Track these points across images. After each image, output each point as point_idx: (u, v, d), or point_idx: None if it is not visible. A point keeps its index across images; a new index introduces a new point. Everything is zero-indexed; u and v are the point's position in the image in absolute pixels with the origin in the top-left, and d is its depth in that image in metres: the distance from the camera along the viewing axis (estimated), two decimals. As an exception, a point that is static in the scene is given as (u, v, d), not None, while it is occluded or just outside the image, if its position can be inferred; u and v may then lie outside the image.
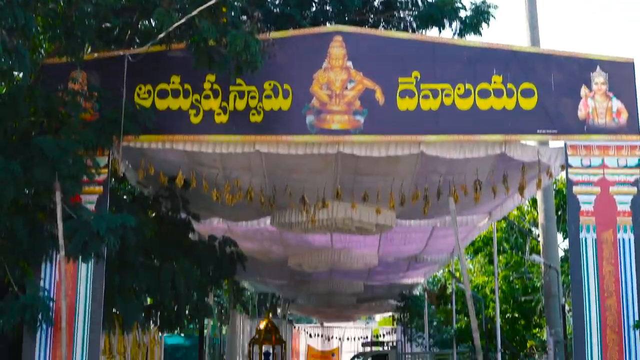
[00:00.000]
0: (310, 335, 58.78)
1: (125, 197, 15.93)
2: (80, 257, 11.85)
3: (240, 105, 12.89)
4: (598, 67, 12.93)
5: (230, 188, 14.26)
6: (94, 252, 11.76)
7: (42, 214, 12.45)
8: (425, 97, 12.86)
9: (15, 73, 13.06)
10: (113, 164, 12.97)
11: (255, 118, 12.83)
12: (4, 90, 13.63)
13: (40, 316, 11.83)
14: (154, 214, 15.95)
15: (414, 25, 17.71)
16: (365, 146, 12.93)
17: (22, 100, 11.83)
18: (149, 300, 17.77)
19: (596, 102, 12.82)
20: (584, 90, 12.86)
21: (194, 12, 11.44)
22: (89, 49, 13.28)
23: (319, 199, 15.03)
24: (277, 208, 15.89)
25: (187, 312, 16.39)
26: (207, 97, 12.91)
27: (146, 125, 12.50)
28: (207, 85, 12.92)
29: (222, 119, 12.88)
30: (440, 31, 17.02)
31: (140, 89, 12.94)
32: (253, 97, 12.87)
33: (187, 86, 12.94)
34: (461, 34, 16.79)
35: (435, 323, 37.88)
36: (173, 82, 12.98)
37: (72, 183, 11.79)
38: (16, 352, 12.72)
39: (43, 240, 12.32)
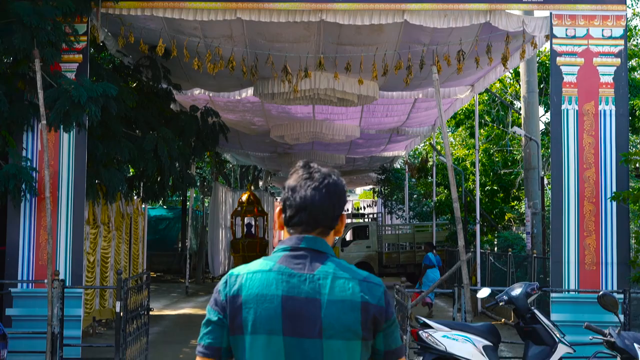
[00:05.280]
0: (292, 208, 59.47)
1: (105, 66, 15.72)
2: (61, 126, 11.81)
3: (221, -30, 12.58)
4: None
5: (212, 57, 14.06)
6: (75, 121, 11.72)
7: (22, 83, 12.33)
8: (410, -38, 12.59)
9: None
10: (92, 31, 12.72)
11: (237, -16, 12.55)
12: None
13: (23, 186, 11.88)
14: (134, 84, 15.83)
15: None
16: (348, 14, 12.72)
17: (-3, -37, 11.49)
18: (131, 171, 17.86)
19: (584, -32, 12.60)
20: (571, -44, 12.62)
21: None
22: None
23: (301, 69, 14.89)
24: (259, 78, 15.76)
25: (170, 182, 16.49)
26: (186, -40, 12.57)
27: (125, -10, 12.22)
28: (186, -51, 12.57)
29: (202, -16, 12.59)
30: None
31: (117, -49, 12.56)
32: (234, -38, 12.55)
33: (165, -51, 12.58)
34: None
35: (415, 196, 38.42)
36: (151, -55, 12.60)
37: (51, 50, 11.63)
38: (1, 222, 12.82)
39: (23, 109, 12.25)
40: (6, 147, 12.24)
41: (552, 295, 12.29)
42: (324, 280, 2.64)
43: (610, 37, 12.59)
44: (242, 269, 2.73)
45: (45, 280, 11.29)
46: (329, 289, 2.64)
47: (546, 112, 28.95)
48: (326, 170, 2.78)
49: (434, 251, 20.46)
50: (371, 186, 50.38)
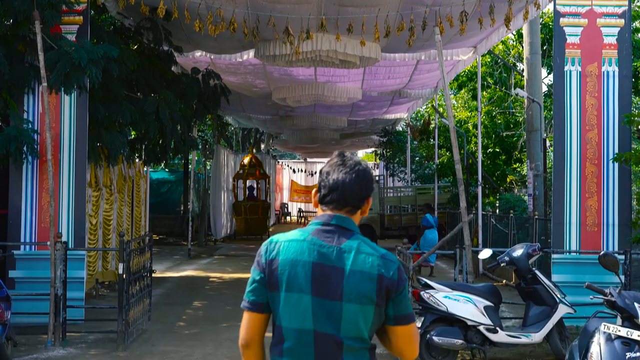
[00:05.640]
0: (294, 171, 59.59)
1: (106, 28, 15.62)
2: (62, 88, 11.78)
3: None
4: None
5: (213, 18, 13.95)
6: (76, 84, 11.70)
7: (22, 45, 12.28)
8: None
9: None
10: (92, -8, 12.65)
11: (238, -56, 12.43)
12: None
13: (25, 148, 11.89)
14: (135, 46, 15.74)
15: None
16: (350, -25, 12.61)
17: None
18: (133, 134, 17.82)
19: None
20: None
21: None
22: None
23: (303, 31, 14.78)
24: (260, 40, 15.65)
25: (172, 145, 16.47)
26: None
27: (124, -49, 12.11)
28: None
29: (203, -56, 12.48)
30: None
31: None
32: None
33: None
34: None
35: (417, 158, 38.39)
36: None
37: (51, 12, 11.57)
38: (3, 184, 12.84)
39: (24, 71, 12.21)
40: (7, 109, 12.23)
41: (553, 256, 12.34)
42: (348, 253, 3.15)
43: (615, -3, 12.49)
44: (281, 237, 3.28)
45: (48, 243, 11.33)
46: (352, 261, 3.14)
47: (549, 74, 28.80)
48: (357, 159, 3.34)
49: (433, 213, 21.39)
50: (373, 149, 50.31)
